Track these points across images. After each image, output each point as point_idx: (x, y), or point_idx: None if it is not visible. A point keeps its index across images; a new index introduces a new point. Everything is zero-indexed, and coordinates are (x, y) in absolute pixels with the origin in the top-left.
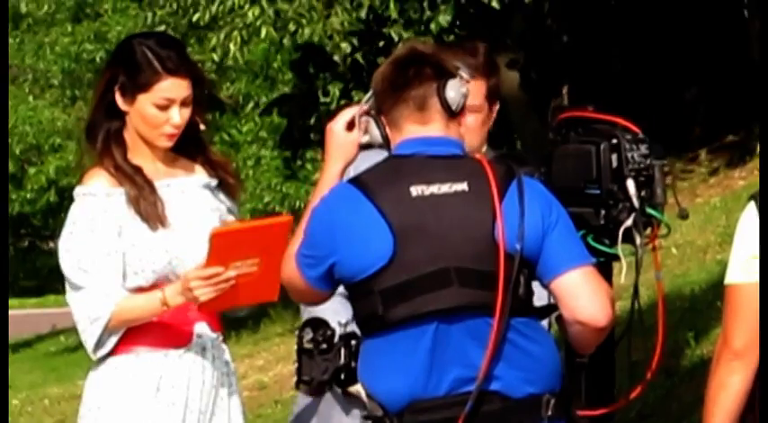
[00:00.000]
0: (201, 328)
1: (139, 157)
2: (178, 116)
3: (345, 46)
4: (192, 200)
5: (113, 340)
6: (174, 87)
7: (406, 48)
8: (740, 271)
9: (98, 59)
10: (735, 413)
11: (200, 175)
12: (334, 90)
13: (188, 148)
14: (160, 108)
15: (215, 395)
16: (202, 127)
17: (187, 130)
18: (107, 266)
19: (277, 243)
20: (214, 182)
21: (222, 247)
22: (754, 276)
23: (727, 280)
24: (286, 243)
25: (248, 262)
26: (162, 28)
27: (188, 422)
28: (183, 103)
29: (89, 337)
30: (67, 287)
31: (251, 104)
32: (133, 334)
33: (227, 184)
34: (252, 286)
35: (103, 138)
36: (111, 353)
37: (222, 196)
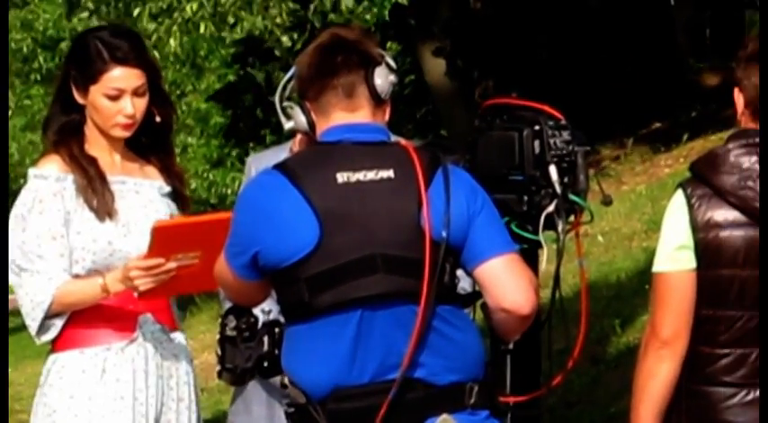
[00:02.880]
0: (146, 320)
1: (97, 150)
2: (130, 106)
3: (286, 40)
4: (145, 201)
5: (57, 325)
6: (123, 77)
7: (329, 34)
8: (668, 260)
9: (25, 48)
10: (663, 401)
11: (156, 180)
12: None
13: (151, 151)
14: (111, 98)
15: (163, 386)
16: (158, 119)
17: (153, 133)
18: (52, 250)
19: (217, 238)
20: (167, 189)
21: (163, 240)
22: (681, 265)
23: (655, 268)
24: (225, 238)
25: (189, 255)
26: (85, 14)
27: (137, 414)
28: (136, 94)
29: (32, 322)
30: (12, 268)
31: (177, 92)
32: (79, 327)
33: (180, 196)
34: (192, 277)
35: (58, 130)
36: (57, 348)
37: (173, 205)
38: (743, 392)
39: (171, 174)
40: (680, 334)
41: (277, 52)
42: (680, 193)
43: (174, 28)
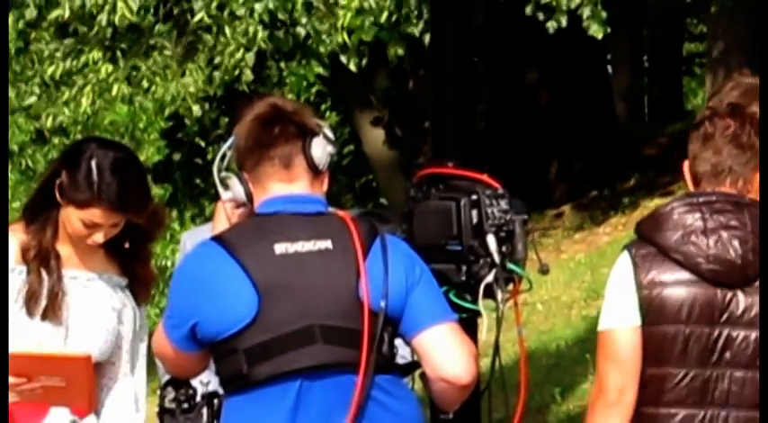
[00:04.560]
0: (58, 410)
1: (65, 243)
2: (101, 237)
3: (197, 109)
4: (92, 298)
5: None
6: (104, 216)
7: (267, 104)
8: (613, 318)
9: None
10: None
11: (113, 276)
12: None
13: (118, 247)
14: (86, 225)
15: None
16: (126, 245)
17: (127, 239)
18: None
19: (80, 376)
20: (124, 282)
21: (21, 366)
22: (626, 322)
23: (601, 327)
24: (90, 379)
25: (53, 378)
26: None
27: None
28: (113, 226)
29: None
30: None
31: None
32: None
33: (134, 292)
34: (61, 395)
35: (43, 219)
36: None
37: (129, 299)
38: None
39: (132, 275)
40: (626, 390)
41: (187, 121)
42: (625, 253)
43: (87, 89)
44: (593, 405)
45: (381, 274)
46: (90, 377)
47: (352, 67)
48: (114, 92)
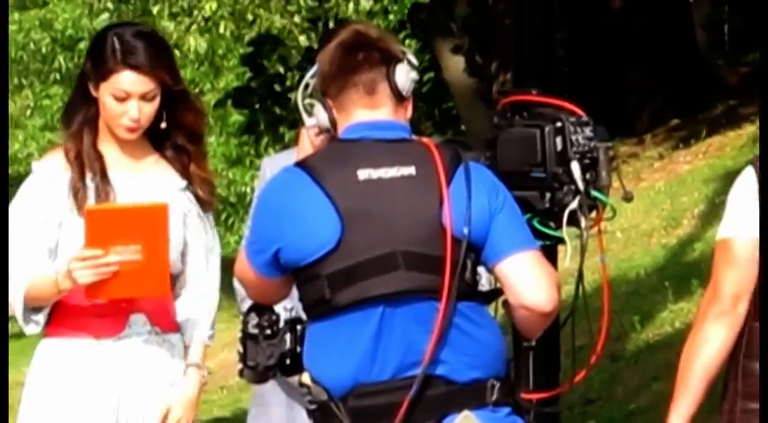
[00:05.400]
0: (137, 320)
1: (108, 144)
2: (135, 110)
3: (303, 39)
4: (152, 198)
5: (39, 320)
6: (132, 82)
7: (351, 31)
8: (738, 226)
9: (44, 48)
10: (713, 369)
11: (169, 179)
12: (293, 80)
13: (168, 148)
14: (118, 99)
15: (145, 387)
16: (163, 125)
17: (176, 134)
18: (32, 247)
19: (157, 230)
20: (183, 183)
21: (97, 225)
22: (747, 233)
23: (720, 235)
24: (167, 232)
25: (130, 248)
26: (105, 16)
27: (116, 413)
28: (144, 99)
29: (16, 315)
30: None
31: (195, 91)
32: (69, 317)
33: (200, 199)
34: (138, 277)
35: (80, 121)
36: (47, 334)
37: (194, 204)
38: None
39: (187, 174)
40: (741, 299)
41: (294, 52)
42: (749, 168)
43: (194, 27)
44: (705, 312)
45: (464, 200)
46: (167, 235)
47: None
48: (222, 29)
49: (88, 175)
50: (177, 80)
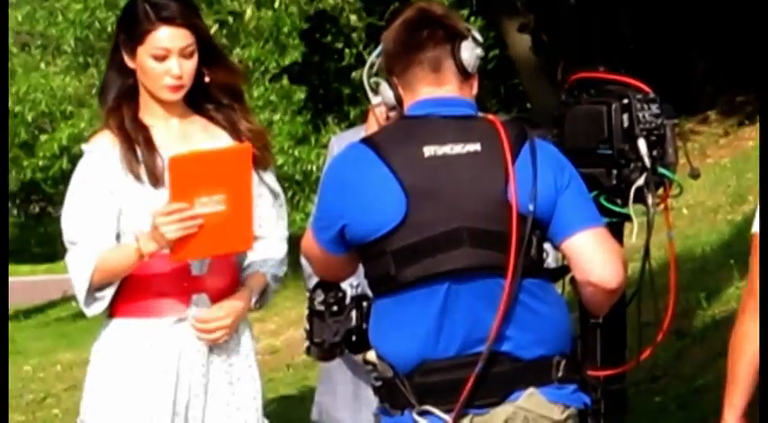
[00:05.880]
0: (201, 299)
1: (152, 117)
2: (177, 66)
3: (354, 19)
4: None
5: (105, 297)
6: (169, 37)
7: (415, 9)
8: None
9: (110, 27)
10: (758, 362)
11: (221, 141)
12: (349, 56)
13: (214, 110)
14: (158, 59)
15: (212, 366)
16: (207, 79)
17: (217, 94)
18: (95, 224)
19: (240, 174)
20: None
21: (181, 174)
22: None
23: (754, 229)
24: (250, 176)
25: (214, 198)
26: None
27: (180, 393)
28: (183, 55)
29: (78, 295)
30: (65, 245)
31: (261, 69)
32: (134, 298)
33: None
34: (223, 231)
35: (115, 96)
36: (112, 315)
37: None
38: None
39: (238, 130)
40: None
41: (345, 30)
42: None
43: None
44: (744, 307)
45: (530, 177)
46: (250, 181)
47: None
48: (277, 4)
49: (136, 147)
50: (208, 33)
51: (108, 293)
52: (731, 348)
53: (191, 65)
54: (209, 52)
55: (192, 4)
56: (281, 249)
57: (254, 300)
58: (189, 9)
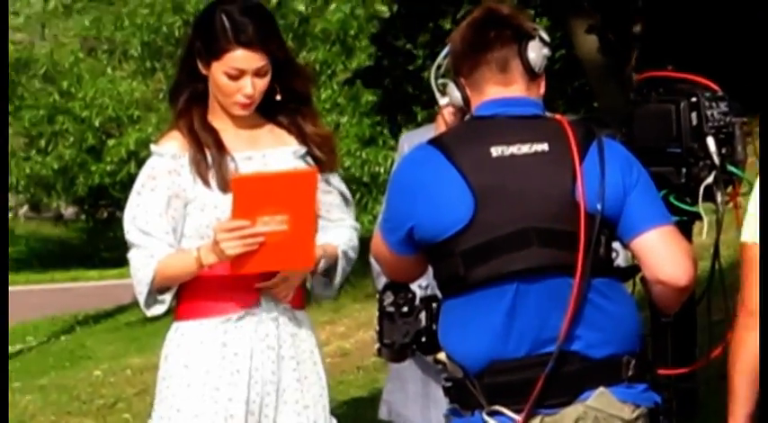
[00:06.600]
0: (267, 296)
1: (221, 121)
2: (250, 86)
3: None
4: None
5: (165, 300)
6: (245, 59)
7: (483, 10)
8: (751, 230)
9: (177, 32)
10: (755, 370)
11: (288, 146)
12: (420, 57)
13: (281, 114)
14: (231, 77)
15: (282, 364)
16: (278, 97)
17: (286, 101)
18: (158, 227)
19: (304, 198)
20: (302, 150)
21: (244, 193)
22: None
23: (744, 237)
24: (314, 200)
25: (276, 218)
26: None
27: (252, 390)
28: (258, 74)
29: (139, 296)
30: (127, 243)
31: (328, 72)
32: (200, 298)
33: (315, 158)
34: (284, 249)
35: (186, 98)
36: (179, 317)
37: (311, 162)
38: None
39: (304, 134)
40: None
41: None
42: None
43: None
44: (737, 315)
45: (598, 176)
46: (314, 203)
47: None
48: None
49: (206, 150)
50: (285, 51)
51: (168, 297)
52: (729, 357)
53: (263, 83)
54: (283, 69)
55: (270, 21)
56: (352, 235)
57: (321, 264)
58: (267, 30)
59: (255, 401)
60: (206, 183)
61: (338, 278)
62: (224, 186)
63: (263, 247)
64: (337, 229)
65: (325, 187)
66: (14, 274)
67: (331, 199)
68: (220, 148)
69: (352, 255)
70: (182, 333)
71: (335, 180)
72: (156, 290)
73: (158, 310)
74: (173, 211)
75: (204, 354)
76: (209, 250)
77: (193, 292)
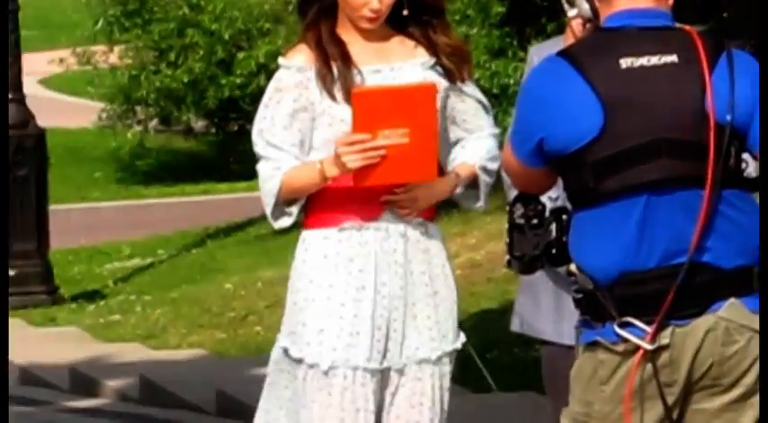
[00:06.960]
0: (392, 211)
1: (349, 34)
2: (377, 2)
3: None
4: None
5: (292, 212)
6: None
7: None
8: None
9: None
10: None
11: (418, 57)
12: None
13: (412, 26)
14: None
15: (411, 278)
16: (405, 12)
17: (417, 10)
18: (284, 139)
19: (424, 111)
20: (432, 61)
21: (365, 108)
22: None
23: None
24: (434, 113)
25: (397, 132)
26: None
27: (379, 306)
28: None
29: (266, 208)
30: (255, 154)
31: None
32: (327, 209)
33: (445, 68)
34: (405, 161)
35: (315, 11)
36: (306, 225)
37: (444, 80)
38: None
39: (435, 45)
40: None
41: None
42: None
43: None
44: None
45: (727, 87)
46: (435, 116)
47: None
48: None
49: (333, 63)
50: None
51: (295, 209)
52: None
53: None
54: None
55: None
56: (491, 143)
57: (459, 189)
58: None
59: (383, 316)
60: (332, 96)
61: (483, 192)
62: (349, 100)
63: (384, 160)
64: (475, 143)
65: (459, 96)
66: (145, 187)
67: (465, 107)
68: (346, 61)
69: (492, 166)
70: (305, 247)
71: (469, 88)
72: (283, 202)
73: (285, 222)
74: (299, 124)
75: (328, 268)
76: (332, 163)
77: (319, 204)
